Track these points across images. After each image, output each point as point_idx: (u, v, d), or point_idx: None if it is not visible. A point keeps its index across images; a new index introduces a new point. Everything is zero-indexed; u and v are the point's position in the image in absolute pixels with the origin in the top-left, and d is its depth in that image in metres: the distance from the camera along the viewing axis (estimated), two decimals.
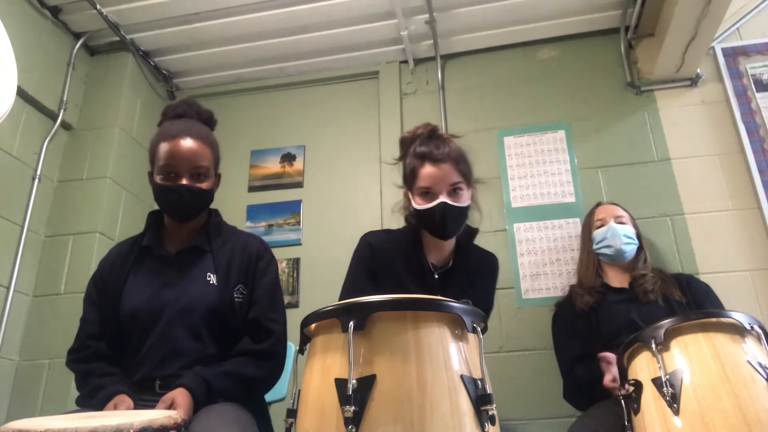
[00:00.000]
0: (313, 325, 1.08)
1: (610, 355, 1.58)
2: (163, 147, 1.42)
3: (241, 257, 1.50)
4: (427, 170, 1.49)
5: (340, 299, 1.49)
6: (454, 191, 1.49)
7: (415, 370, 0.92)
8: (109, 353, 1.40)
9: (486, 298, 1.62)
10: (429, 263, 1.58)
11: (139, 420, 0.98)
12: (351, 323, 0.94)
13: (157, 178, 1.43)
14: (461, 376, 0.94)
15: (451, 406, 0.90)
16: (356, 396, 0.88)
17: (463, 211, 1.52)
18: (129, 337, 1.40)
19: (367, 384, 0.90)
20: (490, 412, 0.92)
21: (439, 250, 1.60)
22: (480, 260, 1.66)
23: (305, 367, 1.07)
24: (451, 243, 1.61)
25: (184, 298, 1.40)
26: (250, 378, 1.37)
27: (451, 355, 0.96)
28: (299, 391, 1.04)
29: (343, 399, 0.89)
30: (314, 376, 1.00)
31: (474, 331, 1.00)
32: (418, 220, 1.57)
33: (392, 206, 1.79)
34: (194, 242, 1.49)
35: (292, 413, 1.02)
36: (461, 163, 1.53)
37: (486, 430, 0.91)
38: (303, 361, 1.11)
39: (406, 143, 1.61)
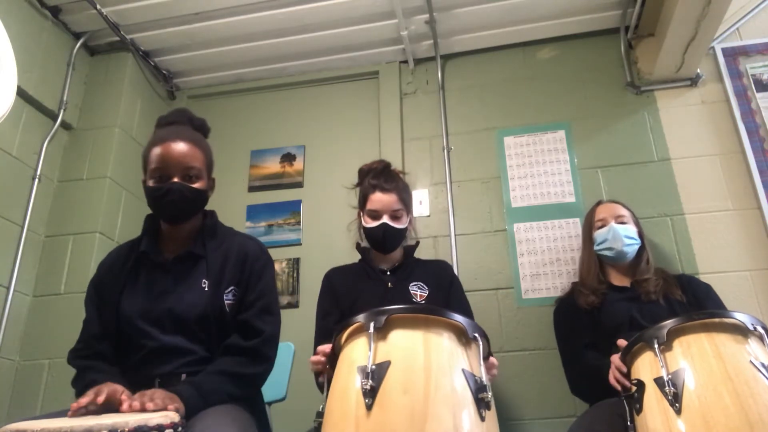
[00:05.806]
0: (344, 335, 1.23)
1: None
2: (155, 151, 1.42)
3: (235, 259, 1.48)
4: (376, 196, 1.82)
5: (315, 338, 1.70)
6: (395, 216, 1.81)
7: (423, 360, 1.09)
8: (111, 354, 1.40)
9: (461, 305, 1.82)
10: (379, 268, 1.87)
11: (134, 419, 0.98)
12: (372, 323, 1.13)
13: (150, 182, 1.43)
14: (462, 369, 1.09)
15: (452, 389, 1.06)
16: (374, 375, 1.06)
17: (401, 232, 1.84)
18: (128, 341, 1.40)
19: (383, 367, 1.08)
20: (486, 400, 1.07)
21: (387, 260, 1.89)
22: (425, 263, 1.94)
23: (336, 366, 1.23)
24: (396, 255, 1.90)
25: (178, 308, 1.39)
26: (236, 374, 1.35)
27: (453, 352, 1.11)
28: (327, 395, 1.19)
29: (363, 376, 1.06)
30: (342, 370, 1.17)
31: (475, 339, 1.15)
32: (365, 236, 1.88)
33: (348, 225, 2.03)
34: (190, 248, 1.48)
35: (320, 414, 1.18)
36: (404, 195, 1.86)
37: (483, 415, 1.05)
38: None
39: (362, 173, 1.91)
